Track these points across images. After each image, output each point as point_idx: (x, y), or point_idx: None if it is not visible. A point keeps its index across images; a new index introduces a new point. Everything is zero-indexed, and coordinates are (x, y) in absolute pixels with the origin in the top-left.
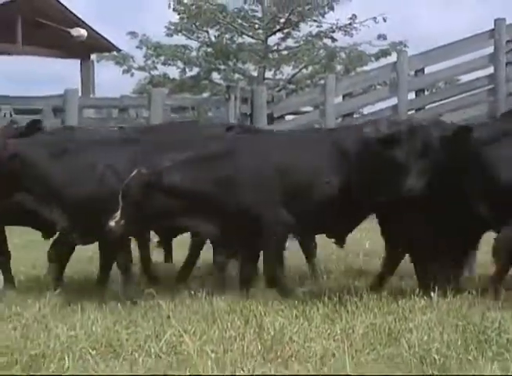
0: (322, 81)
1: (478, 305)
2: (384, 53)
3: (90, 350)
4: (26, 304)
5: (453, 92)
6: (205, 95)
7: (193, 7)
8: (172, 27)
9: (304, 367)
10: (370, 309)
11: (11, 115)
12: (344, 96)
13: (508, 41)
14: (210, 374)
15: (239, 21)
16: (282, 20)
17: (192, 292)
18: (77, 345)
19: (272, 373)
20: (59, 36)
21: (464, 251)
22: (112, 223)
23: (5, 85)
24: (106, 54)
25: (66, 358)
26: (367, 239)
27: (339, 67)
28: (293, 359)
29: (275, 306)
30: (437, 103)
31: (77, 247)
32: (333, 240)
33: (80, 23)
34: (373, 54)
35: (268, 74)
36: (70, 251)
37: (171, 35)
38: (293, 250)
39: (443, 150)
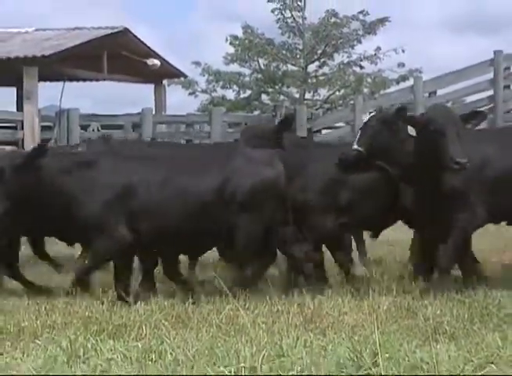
0: (352, 102)
1: (481, 286)
2: (403, 78)
3: (163, 321)
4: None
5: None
6: (256, 113)
7: (246, 41)
8: (229, 57)
9: (339, 336)
10: (392, 289)
11: (98, 130)
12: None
13: (505, 69)
14: (261, 340)
15: (284, 52)
16: (319, 51)
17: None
18: (153, 317)
19: (313, 340)
20: (137, 65)
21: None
22: None
23: (94, 106)
24: (175, 80)
25: (144, 327)
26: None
27: (366, 90)
28: (329, 329)
29: (315, 286)
30: None
31: None
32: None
33: (154, 54)
34: (394, 79)
35: (308, 96)
36: None
37: (228, 64)
38: None
39: None
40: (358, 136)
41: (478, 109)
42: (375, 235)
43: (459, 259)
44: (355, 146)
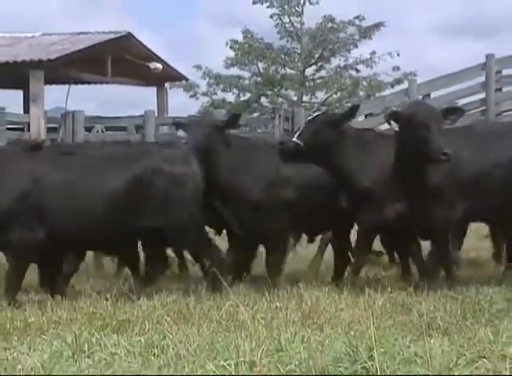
0: (348, 104)
1: (473, 282)
2: (398, 81)
3: (165, 317)
4: (116, 282)
5: None
6: (255, 115)
7: (246, 45)
8: (229, 61)
9: (336, 331)
10: (388, 286)
11: (102, 131)
12: (365, 116)
13: (497, 72)
14: (260, 336)
15: (283, 56)
16: (316, 55)
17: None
18: (155, 312)
19: (311, 335)
20: (139, 69)
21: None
22: None
23: (98, 108)
24: (177, 83)
25: (146, 323)
26: None
27: (362, 93)
28: (326, 324)
29: (312, 283)
30: None
31: None
32: None
33: (156, 58)
34: (389, 82)
35: (306, 98)
36: None
37: (228, 67)
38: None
39: None
40: (299, 131)
41: (471, 111)
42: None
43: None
44: (294, 139)
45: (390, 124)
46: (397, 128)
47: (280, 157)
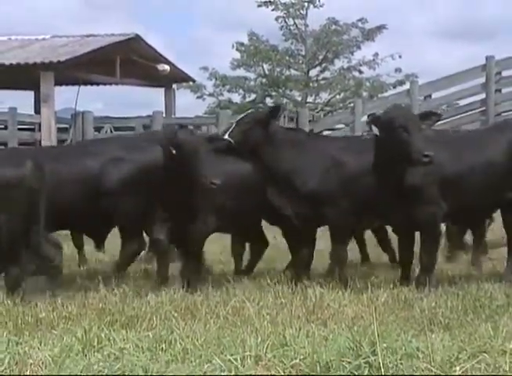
0: (351, 105)
1: (473, 279)
2: (400, 82)
3: (173, 312)
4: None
5: (454, 113)
6: None
7: (252, 47)
8: (235, 63)
9: (339, 326)
10: (390, 282)
11: (111, 131)
12: (368, 116)
13: (497, 73)
14: (265, 331)
15: (287, 58)
16: (320, 57)
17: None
18: (163, 308)
19: (315, 331)
20: (148, 70)
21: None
22: None
23: (107, 108)
24: (184, 84)
25: (155, 318)
26: None
27: (365, 94)
28: (330, 320)
29: (316, 279)
30: (441, 122)
31: None
32: None
33: (164, 60)
34: (391, 83)
35: (310, 99)
36: None
37: (235, 69)
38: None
39: None
40: (231, 129)
41: (471, 111)
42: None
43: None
44: (226, 137)
45: (371, 128)
46: (377, 132)
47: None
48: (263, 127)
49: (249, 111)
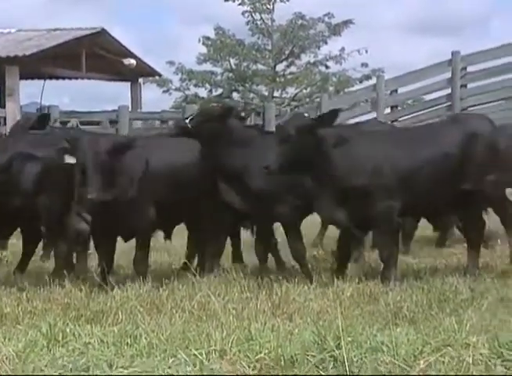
0: (318, 99)
1: (438, 273)
2: (366, 77)
3: (138, 307)
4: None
5: (420, 107)
6: None
7: (218, 42)
8: (202, 57)
9: (305, 321)
10: (355, 276)
11: (77, 126)
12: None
13: (462, 69)
14: (231, 325)
15: (254, 52)
16: (287, 52)
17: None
18: (129, 303)
19: (280, 325)
20: (114, 64)
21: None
22: None
23: (73, 103)
24: (150, 78)
25: (120, 313)
26: None
27: (331, 88)
28: (295, 314)
29: (282, 274)
30: (407, 117)
31: None
32: None
33: (130, 54)
34: (357, 78)
35: (276, 94)
36: None
37: (201, 63)
38: None
39: None
40: (193, 115)
41: (437, 106)
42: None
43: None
44: (187, 121)
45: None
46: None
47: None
48: (221, 122)
49: (215, 105)
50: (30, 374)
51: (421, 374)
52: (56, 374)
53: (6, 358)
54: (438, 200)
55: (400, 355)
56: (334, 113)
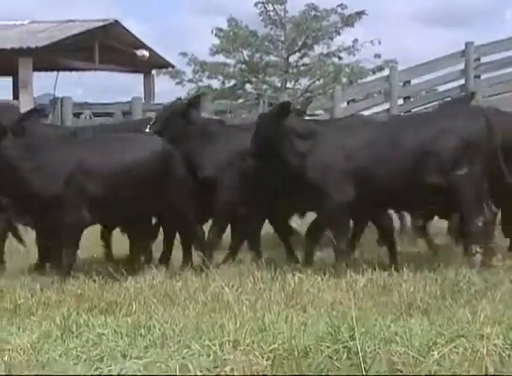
0: (331, 91)
1: (453, 264)
2: (379, 68)
3: (152, 298)
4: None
5: (433, 98)
6: (240, 101)
7: (231, 33)
8: (214, 49)
9: (318, 312)
10: (369, 267)
11: (90, 117)
12: (348, 102)
13: (476, 59)
14: (244, 316)
15: (267, 44)
16: (300, 43)
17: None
18: (142, 294)
19: (294, 316)
20: (127, 56)
21: None
22: None
23: (86, 94)
24: (163, 70)
25: (134, 304)
26: None
27: (344, 80)
28: (309, 305)
29: (295, 265)
30: (420, 108)
31: None
32: None
33: (143, 45)
34: (370, 69)
35: (289, 85)
36: None
37: (214, 55)
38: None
39: None
40: (152, 122)
41: (450, 98)
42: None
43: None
44: (147, 130)
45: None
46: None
47: None
48: (181, 118)
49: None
50: (45, 364)
51: (435, 364)
52: (71, 364)
53: (21, 348)
54: (399, 194)
55: (414, 346)
56: (285, 105)
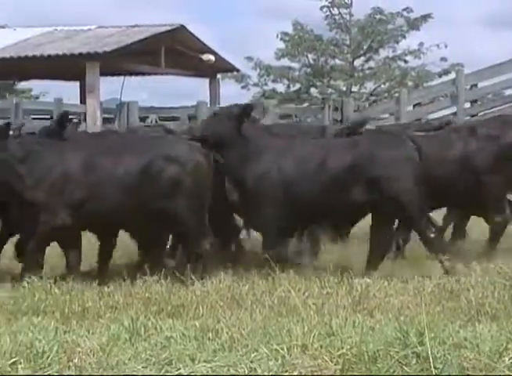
0: (396, 94)
1: None
2: (446, 72)
3: (219, 302)
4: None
5: (499, 102)
6: (305, 105)
7: (296, 37)
8: (280, 53)
9: (386, 316)
10: (436, 272)
11: (156, 121)
12: (414, 106)
13: None
14: (311, 320)
15: (332, 47)
16: (365, 47)
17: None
18: (209, 298)
19: (361, 321)
20: (192, 60)
21: None
22: None
23: (152, 98)
24: (229, 74)
25: (201, 307)
26: None
27: (410, 83)
28: (376, 310)
29: (362, 270)
30: (487, 111)
31: None
32: None
33: (209, 50)
34: (436, 72)
35: (355, 89)
36: None
37: (279, 59)
38: None
39: None
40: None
41: None
42: None
43: None
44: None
45: None
46: None
47: None
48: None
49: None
50: (114, 367)
51: (506, 369)
52: (139, 367)
53: (90, 351)
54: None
55: (484, 351)
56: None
